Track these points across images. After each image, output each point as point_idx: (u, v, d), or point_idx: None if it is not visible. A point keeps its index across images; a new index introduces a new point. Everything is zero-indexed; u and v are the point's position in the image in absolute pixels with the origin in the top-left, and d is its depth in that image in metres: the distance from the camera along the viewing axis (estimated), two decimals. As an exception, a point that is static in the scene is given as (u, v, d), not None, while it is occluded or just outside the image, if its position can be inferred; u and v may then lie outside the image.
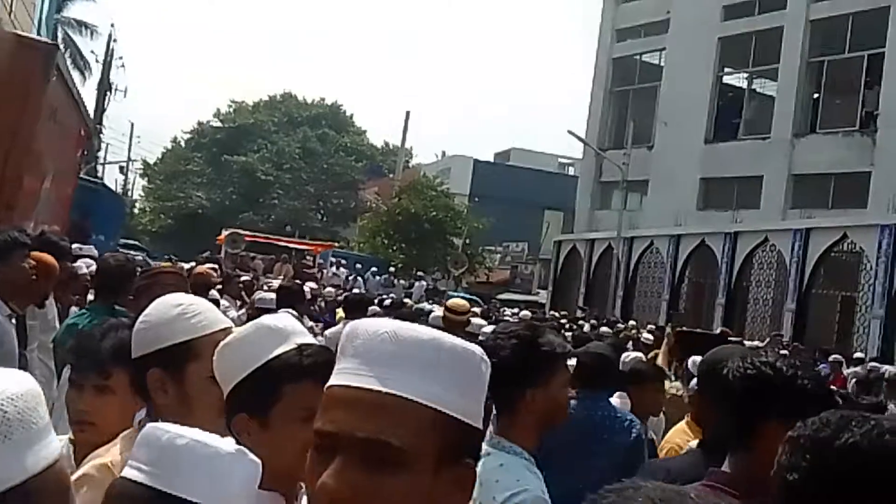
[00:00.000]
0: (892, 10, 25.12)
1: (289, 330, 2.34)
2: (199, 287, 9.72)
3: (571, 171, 50.93)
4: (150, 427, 1.72)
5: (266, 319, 2.40)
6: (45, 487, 1.20)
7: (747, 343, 15.26)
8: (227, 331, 2.47)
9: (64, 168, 9.10)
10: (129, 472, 1.67)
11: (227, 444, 1.71)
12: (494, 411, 3.16)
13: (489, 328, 7.95)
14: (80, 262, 7.16)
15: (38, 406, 1.24)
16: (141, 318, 2.62)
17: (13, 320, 5.21)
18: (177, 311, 2.58)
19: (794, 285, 23.02)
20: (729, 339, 5.44)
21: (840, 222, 23.07)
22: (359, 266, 33.77)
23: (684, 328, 12.81)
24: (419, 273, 35.91)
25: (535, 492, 2.90)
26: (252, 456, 1.72)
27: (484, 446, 3.11)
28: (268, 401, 2.20)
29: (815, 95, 28.05)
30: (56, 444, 1.26)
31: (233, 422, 2.17)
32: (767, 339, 18.36)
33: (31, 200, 7.30)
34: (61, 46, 42.42)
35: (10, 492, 1.16)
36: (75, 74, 43.81)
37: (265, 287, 14.60)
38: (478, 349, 1.45)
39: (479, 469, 3.10)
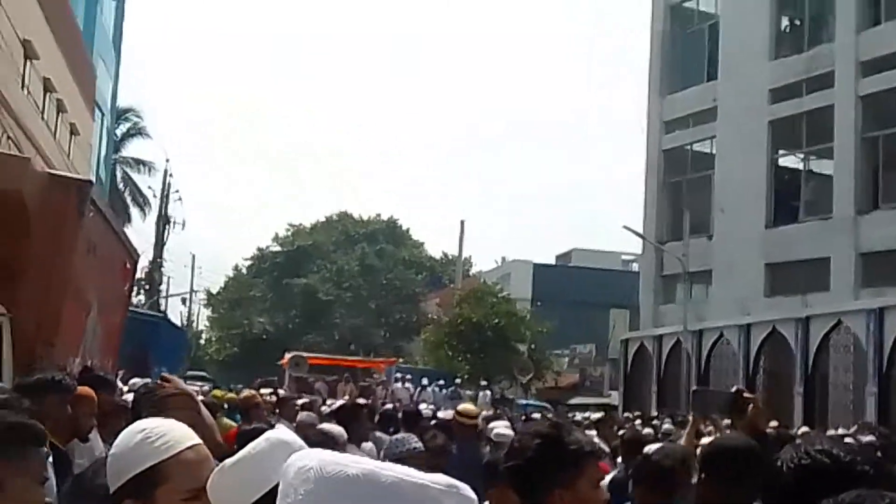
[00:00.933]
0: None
1: (301, 443, 2.32)
2: (247, 410, 9.69)
3: (634, 266, 50.69)
4: None
5: (278, 434, 2.42)
6: None
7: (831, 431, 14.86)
8: (195, 448, 2.48)
9: (110, 301, 9.15)
10: None
11: None
12: None
13: (509, 432, 7.87)
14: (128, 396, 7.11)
15: None
16: (111, 450, 2.63)
17: (50, 457, 5.11)
18: (140, 437, 2.56)
19: (874, 367, 22.48)
20: (744, 395, 5.24)
21: (918, 297, 22.58)
22: (424, 380, 33.62)
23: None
24: (483, 382, 35.59)
25: None
26: None
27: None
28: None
29: (875, 171, 27.72)
30: None
31: None
32: (855, 427, 17.87)
33: (74, 336, 7.31)
34: (120, 183, 43.83)
35: None
36: (135, 210, 45.16)
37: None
38: (434, 482, 1.38)
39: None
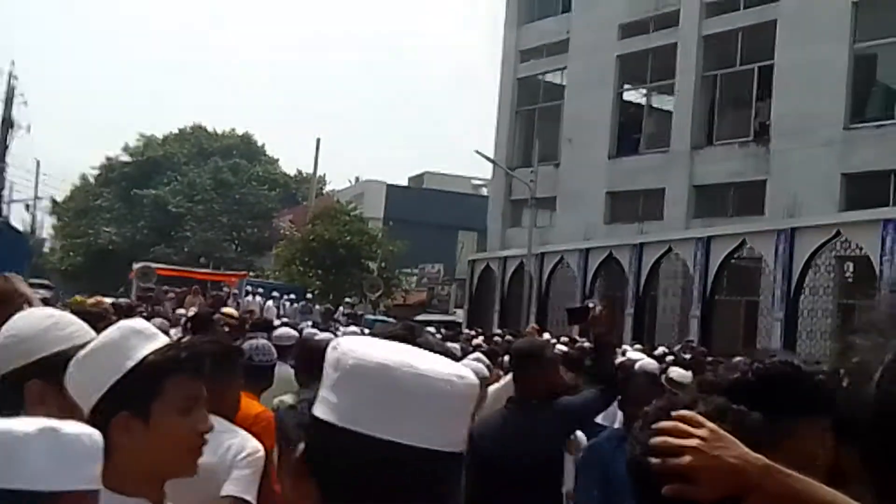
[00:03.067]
0: (779, 24, 25.76)
1: (152, 331, 2.40)
2: (97, 317, 9.55)
3: (484, 191, 51.08)
4: None
5: (129, 322, 2.44)
6: None
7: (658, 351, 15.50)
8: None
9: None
10: None
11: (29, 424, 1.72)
12: None
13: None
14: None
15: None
16: (8, 331, 2.58)
17: None
18: (50, 323, 2.58)
19: (699, 293, 23.19)
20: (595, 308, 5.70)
21: (739, 229, 23.40)
22: (275, 294, 33.46)
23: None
24: (345, 298, 35.67)
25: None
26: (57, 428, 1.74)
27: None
28: (149, 396, 2.24)
29: (711, 109, 28.59)
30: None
31: (114, 422, 2.18)
32: (679, 346, 18.56)
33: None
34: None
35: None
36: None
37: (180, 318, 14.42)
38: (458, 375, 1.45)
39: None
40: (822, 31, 24.37)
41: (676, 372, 8.35)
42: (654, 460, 1.75)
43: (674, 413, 1.82)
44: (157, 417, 2.24)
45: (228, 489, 3.72)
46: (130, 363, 2.24)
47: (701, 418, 1.79)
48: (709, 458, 1.72)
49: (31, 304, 3.29)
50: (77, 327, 2.61)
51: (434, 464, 1.40)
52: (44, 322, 2.58)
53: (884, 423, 1.10)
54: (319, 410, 1.42)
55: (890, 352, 1.06)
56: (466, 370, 1.50)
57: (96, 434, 1.76)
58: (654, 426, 1.80)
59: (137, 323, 2.44)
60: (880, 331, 1.05)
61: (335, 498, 1.41)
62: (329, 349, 1.49)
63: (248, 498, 3.78)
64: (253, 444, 3.93)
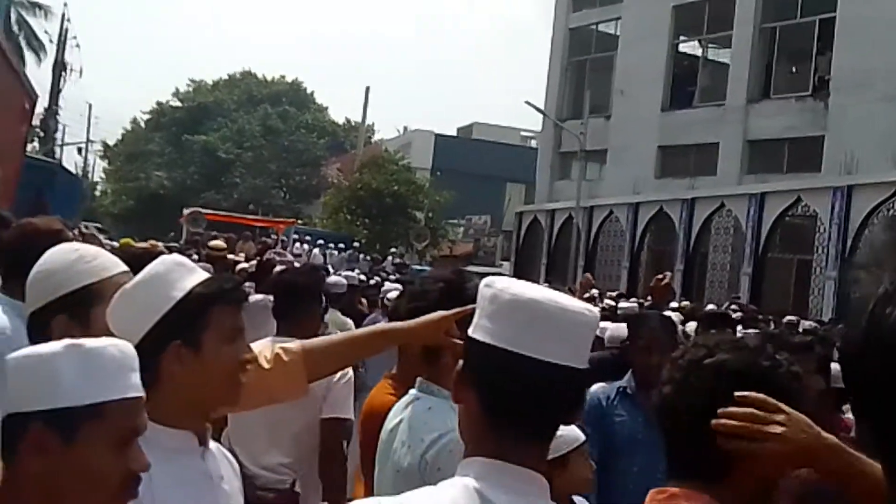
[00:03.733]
0: (842, -25, 25.34)
1: (192, 265, 2.40)
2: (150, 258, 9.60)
3: (533, 143, 50.96)
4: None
5: (172, 257, 2.45)
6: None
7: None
8: (127, 273, 2.50)
9: (7, 141, 8.97)
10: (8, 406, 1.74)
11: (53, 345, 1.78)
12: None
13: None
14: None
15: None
16: (37, 268, 2.61)
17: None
18: (75, 257, 2.59)
19: (751, 250, 23.20)
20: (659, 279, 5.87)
21: (794, 186, 23.25)
22: (321, 242, 33.69)
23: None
24: (390, 248, 35.90)
25: (457, 434, 2.90)
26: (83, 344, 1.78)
27: (412, 391, 3.12)
28: (199, 326, 2.26)
29: (769, 62, 28.17)
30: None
31: (166, 351, 2.21)
32: (727, 303, 18.49)
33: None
34: (15, 26, 42.04)
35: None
36: (29, 55, 43.31)
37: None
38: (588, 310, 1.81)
39: (408, 412, 3.11)
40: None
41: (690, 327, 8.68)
42: (733, 442, 1.85)
43: (746, 395, 1.87)
44: (206, 346, 2.26)
45: (328, 411, 4.17)
46: (179, 294, 2.27)
47: (775, 402, 1.86)
48: (790, 442, 1.84)
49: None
50: (104, 259, 2.62)
51: (571, 378, 1.72)
52: (69, 256, 2.60)
53: (872, 354, 1.03)
54: (478, 334, 1.74)
55: (885, 282, 1.03)
56: (592, 306, 1.87)
57: (126, 345, 1.80)
58: (731, 409, 1.86)
59: (179, 257, 2.46)
60: (878, 262, 0.98)
61: (491, 406, 1.74)
62: (483, 286, 1.82)
63: (347, 416, 4.27)
64: None
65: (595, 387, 4.26)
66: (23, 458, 1.63)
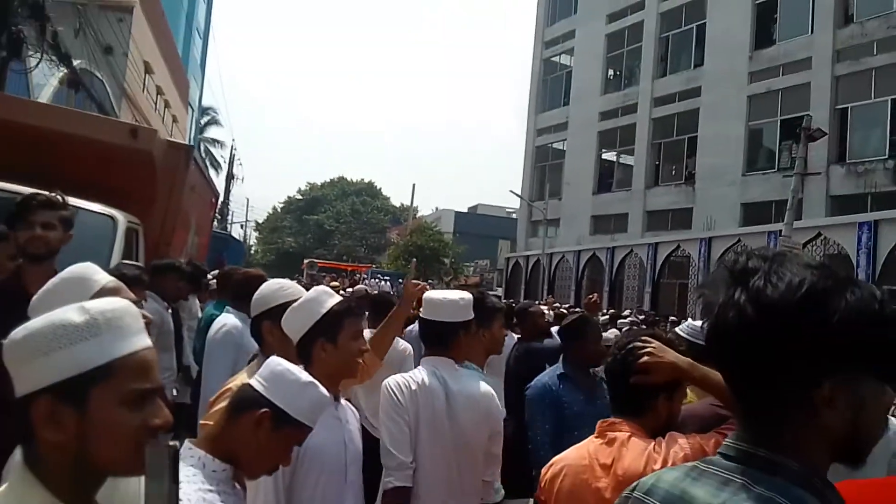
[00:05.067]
0: (700, 111, 25.36)
1: (332, 292, 2.42)
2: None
3: (514, 215, 50.93)
4: (271, 359, 1.78)
5: (321, 287, 2.47)
6: (126, 366, 1.10)
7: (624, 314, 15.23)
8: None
9: (202, 223, 9.07)
10: (252, 381, 1.72)
11: (306, 375, 1.73)
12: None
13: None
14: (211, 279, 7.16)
15: (127, 316, 1.14)
16: (257, 293, 2.70)
17: (169, 310, 5.20)
18: (276, 287, 2.69)
19: (650, 278, 22.98)
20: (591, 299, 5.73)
21: (676, 238, 23.03)
22: (387, 278, 33.67)
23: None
24: (429, 280, 35.75)
25: (488, 385, 2.87)
26: (321, 387, 1.75)
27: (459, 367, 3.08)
28: (336, 329, 2.27)
29: (658, 163, 28.08)
30: (142, 342, 1.14)
31: (315, 346, 2.24)
32: (633, 310, 18.32)
33: (181, 243, 7.28)
34: (202, 154, 42.63)
35: (98, 368, 1.07)
36: (211, 171, 44.14)
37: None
38: None
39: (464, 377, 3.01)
40: (729, 115, 23.97)
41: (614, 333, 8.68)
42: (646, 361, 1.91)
43: (645, 337, 1.98)
44: (341, 342, 2.26)
45: None
46: (324, 309, 2.29)
47: (654, 340, 1.95)
48: (658, 357, 1.89)
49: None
50: (291, 289, 2.65)
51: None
52: (273, 286, 2.71)
53: (717, 343, 1.03)
54: None
55: (721, 295, 1.01)
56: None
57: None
58: (630, 344, 1.97)
59: (325, 287, 2.47)
60: (715, 285, 1.03)
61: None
62: None
63: None
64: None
65: (541, 376, 3.60)
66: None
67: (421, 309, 2.90)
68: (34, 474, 1.07)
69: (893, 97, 19.64)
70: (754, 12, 23.80)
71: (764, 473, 0.94)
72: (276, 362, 1.71)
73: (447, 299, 2.82)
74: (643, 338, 1.96)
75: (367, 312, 4.78)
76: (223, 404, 1.95)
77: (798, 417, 0.95)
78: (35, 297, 1.77)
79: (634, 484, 1.14)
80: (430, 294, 2.94)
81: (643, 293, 23.32)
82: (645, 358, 1.89)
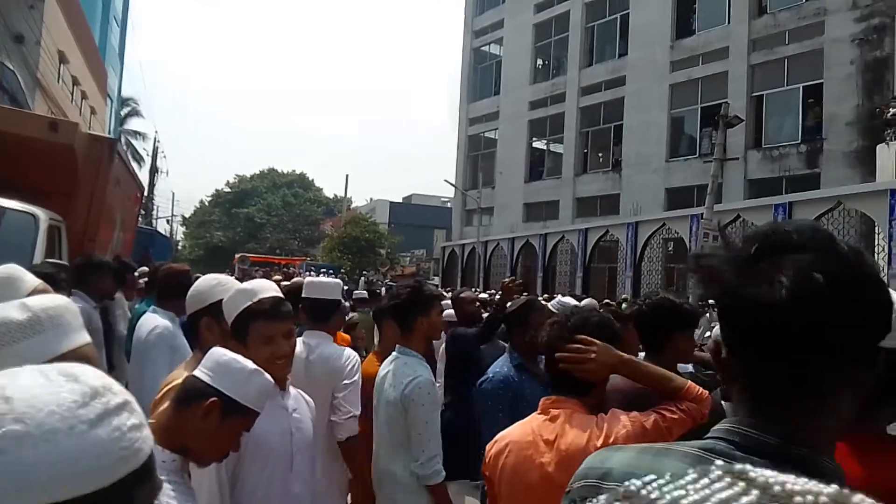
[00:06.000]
0: (626, 100, 25.96)
1: (256, 289, 2.35)
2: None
3: (449, 204, 51.13)
4: (214, 349, 1.77)
5: (249, 284, 2.42)
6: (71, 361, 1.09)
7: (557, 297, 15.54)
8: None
9: (127, 218, 8.79)
10: (197, 372, 1.72)
11: (250, 363, 1.73)
12: (400, 330, 3.14)
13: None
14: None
15: (67, 314, 1.15)
16: (192, 289, 2.68)
17: (97, 309, 5.05)
18: (214, 282, 2.67)
19: (581, 262, 23.35)
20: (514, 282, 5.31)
21: (604, 223, 23.47)
22: (322, 270, 33.24)
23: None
24: (362, 272, 35.53)
25: (426, 377, 2.94)
26: (265, 374, 1.76)
27: (393, 353, 3.14)
28: (245, 331, 2.26)
29: (586, 151, 28.61)
30: (82, 339, 1.15)
31: (249, 335, 2.24)
32: (564, 293, 18.58)
33: (107, 238, 7.05)
34: (125, 147, 41.02)
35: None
36: (134, 164, 42.48)
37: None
38: None
39: (392, 366, 3.12)
40: (652, 103, 24.65)
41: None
42: (568, 365, 1.97)
43: (577, 336, 1.98)
44: (251, 344, 2.22)
45: None
46: (249, 302, 2.27)
47: (591, 340, 1.97)
48: (598, 362, 1.95)
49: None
50: (228, 284, 2.66)
51: None
52: (211, 281, 2.69)
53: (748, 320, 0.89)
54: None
55: (737, 272, 0.90)
56: None
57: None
58: (567, 345, 1.97)
59: (253, 284, 2.43)
60: (732, 261, 0.90)
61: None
62: None
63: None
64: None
65: (497, 366, 3.36)
66: None
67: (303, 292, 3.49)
68: None
69: (804, 84, 20.67)
70: (674, 3, 24.55)
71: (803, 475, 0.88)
72: (221, 353, 1.72)
73: (327, 282, 3.56)
74: (582, 340, 1.97)
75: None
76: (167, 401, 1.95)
77: (830, 406, 0.88)
78: None
79: (582, 471, 1.07)
80: (311, 279, 3.68)
81: (575, 278, 23.75)
82: (589, 365, 1.93)
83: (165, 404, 2.06)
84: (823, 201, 15.45)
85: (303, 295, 3.53)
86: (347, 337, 5.02)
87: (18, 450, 0.62)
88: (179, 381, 2.18)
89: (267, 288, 2.35)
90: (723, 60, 22.68)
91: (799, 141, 20.68)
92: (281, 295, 2.36)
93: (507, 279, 5.45)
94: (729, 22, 22.79)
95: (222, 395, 1.65)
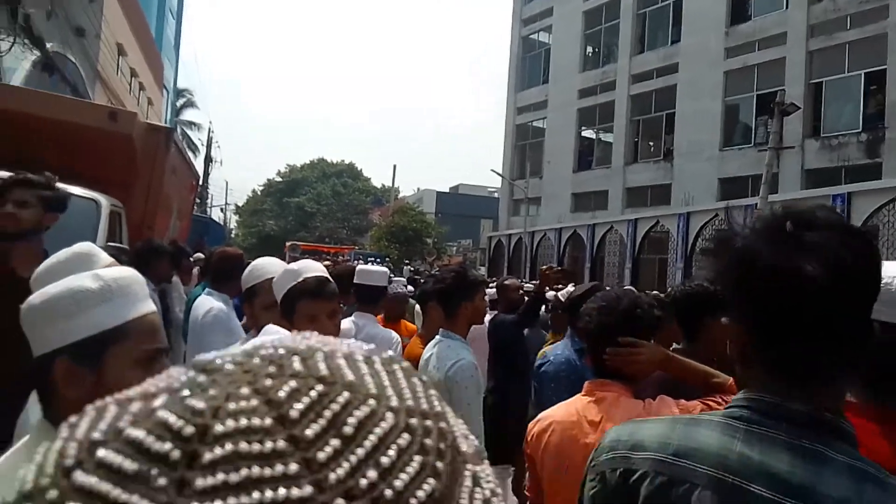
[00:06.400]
0: (678, 88, 25.47)
1: (302, 269, 2.38)
2: None
3: (496, 194, 51.03)
4: (268, 326, 1.79)
5: (295, 265, 2.47)
6: (137, 328, 1.19)
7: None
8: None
9: (183, 206, 9.05)
10: None
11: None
12: (444, 316, 3.16)
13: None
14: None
15: (135, 284, 1.24)
16: (248, 269, 2.84)
17: (155, 292, 5.23)
18: (251, 268, 2.82)
19: (630, 254, 23.11)
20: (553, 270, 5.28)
21: (654, 214, 23.15)
22: (370, 259, 33.60)
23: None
24: (405, 261, 35.79)
25: (469, 359, 2.97)
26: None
27: (437, 337, 3.18)
28: (291, 310, 2.27)
29: (636, 140, 28.21)
30: (148, 307, 1.24)
31: (296, 312, 2.25)
32: (614, 285, 18.43)
33: (164, 225, 7.28)
34: (180, 137, 42.31)
35: (112, 330, 1.16)
36: (189, 154, 43.61)
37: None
38: None
39: (436, 349, 3.16)
40: (706, 91, 24.15)
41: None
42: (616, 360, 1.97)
43: (624, 339, 1.97)
44: (297, 319, 2.23)
45: None
46: (294, 282, 2.28)
47: (636, 341, 1.97)
48: (646, 361, 1.97)
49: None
50: (262, 269, 2.77)
51: None
52: (248, 269, 2.83)
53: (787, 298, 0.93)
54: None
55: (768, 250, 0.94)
56: None
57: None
58: (616, 348, 1.96)
59: (302, 264, 2.46)
60: (758, 237, 0.96)
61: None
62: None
63: None
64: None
65: (559, 350, 3.38)
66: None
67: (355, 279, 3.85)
68: (55, 428, 1.13)
69: (866, 71, 19.91)
70: (730, -12, 23.94)
71: (834, 438, 0.90)
72: (275, 329, 1.75)
73: (376, 270, 3.97)
74: (629, 342, 1.97)
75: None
76: None
77: (845, 379, 0.96)
78: (40, 269, 1.82)
79: (608, 443, 1.08)
80: (362, 266, 4.07)
81: (623, 269, 23.47)
82: (637, 364, 1.97)
83: None
84: (883, 192, 14.88)
85: (354, 280, 3.97)
86: (413, 327, 5.07)
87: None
88: None
89: (312, 268, 2.39)
90: (780, 46, 22.01)
91: (860, 129, 19.94)
92: (326, 275, 2.38)
93: (544, 266, 5.46)
94: (787, 7, 22.08)
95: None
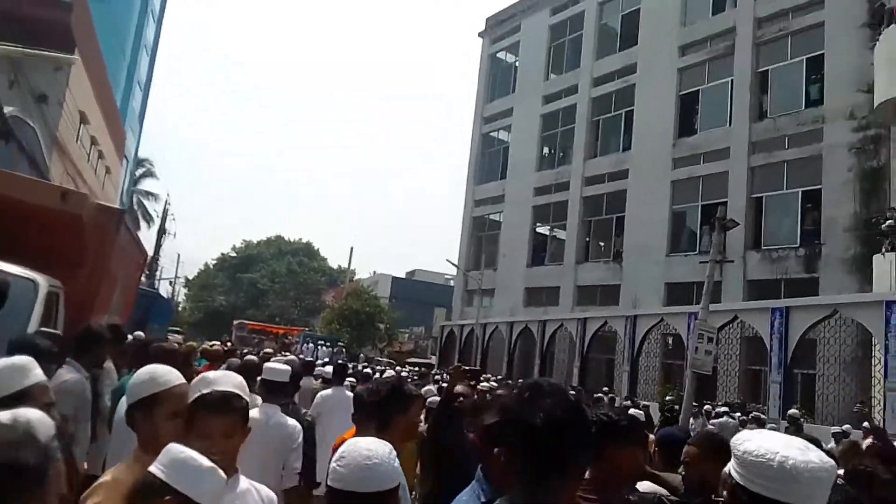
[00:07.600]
0: (629, 192, 26.41)
1: (216, 381, 2.26)
2: (211, 358, 9.32)
3: (451, 283, 51.29)
4: (171, 445, 1.76)
5: (211, 374, 2.34)
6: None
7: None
8: (182, 385, 2.34)
9: (128, 284, 8.89)
10: (153, 469, 1.68)
11: (206, 460, 1.70)
12: (376, 428, 3.11)
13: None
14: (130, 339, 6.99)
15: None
16: (153, 374, 2.38)
17: (87, 381, 5.08)
18: (146, 376, 2.40)
19: (579, 352, 23.21)
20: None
21: (603, 314, 23.51)
22: (320, 342, 33.11)
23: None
24: (360, 350, 35.37)
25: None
26: (220, 471, 1.73)
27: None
28: (192, 419, 2.18)
29: (588, 240, 28.94)
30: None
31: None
32: (563, 382, 18.42)
33: (105, 305, 7.14)
34: (135, 207, 41.64)
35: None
36: (143, 224, 43.04)
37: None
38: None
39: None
40: (654, 197, 25.05)
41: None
42: None
43: None
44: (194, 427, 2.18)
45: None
46: (199, 393, 2.21)
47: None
48: None
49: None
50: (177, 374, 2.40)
51: None
52: (142, 376, 2.38)
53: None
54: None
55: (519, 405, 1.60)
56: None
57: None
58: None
59: (217, 376, 2.31)
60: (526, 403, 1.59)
61: None
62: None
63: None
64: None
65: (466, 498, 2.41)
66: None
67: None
68: None
69: (803, 189, 21.08)
70: (678, 102, 25.41)
71: None
72: (178, 449, 1.74)
73: (279, 367, 4.64)
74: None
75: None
76: (99, 497, 1.96)
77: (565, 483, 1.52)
78: None
79: None
80: (269, 365, 4.79)
81: (573, 367, 23.55)
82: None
83: (95, 500, 2.03)
84: (820, 308, 15.51)
85: (262, 377, 4.65)
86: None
87: None
88: (109, 478, 2.12)
89: (226, 382, 2.27)
90: (724, 160, 23.24)
91: (797, 244, 20.92)
92: (238, 392, 2.26)
93: (453, 367, 5.32)
94: (730, 124, 23.50)
95: (178, 494, 1.65)
